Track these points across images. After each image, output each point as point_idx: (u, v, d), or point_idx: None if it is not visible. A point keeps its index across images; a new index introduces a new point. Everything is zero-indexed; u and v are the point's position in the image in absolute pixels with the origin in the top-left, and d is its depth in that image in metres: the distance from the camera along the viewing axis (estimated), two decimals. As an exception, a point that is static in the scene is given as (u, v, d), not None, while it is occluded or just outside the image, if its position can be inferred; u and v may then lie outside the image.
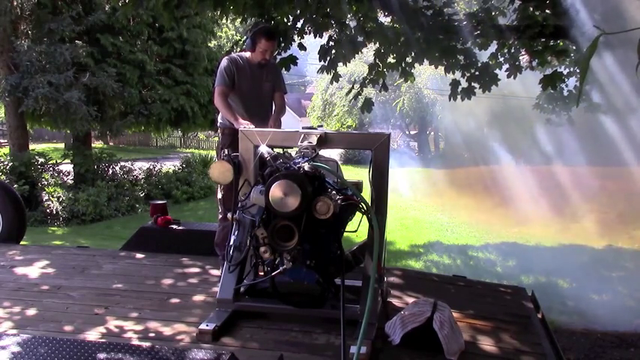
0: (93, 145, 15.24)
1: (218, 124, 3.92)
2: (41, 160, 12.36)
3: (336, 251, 2.80)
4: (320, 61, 6.18)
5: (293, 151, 3.10)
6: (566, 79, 6.59)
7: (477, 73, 5.80)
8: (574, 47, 6.17)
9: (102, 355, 2.09)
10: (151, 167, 15.38)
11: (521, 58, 6.27)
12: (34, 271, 4.06)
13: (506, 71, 6.23)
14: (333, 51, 6.08)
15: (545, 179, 14.54)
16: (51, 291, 3.61)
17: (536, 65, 6.39)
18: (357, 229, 3.01)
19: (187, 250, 4.59)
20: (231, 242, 3.01)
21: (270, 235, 2.66)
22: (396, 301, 3.57)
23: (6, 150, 13.25)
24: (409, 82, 6.66)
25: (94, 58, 12.14)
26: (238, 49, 6.18)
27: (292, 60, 5.73)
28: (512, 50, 6.23)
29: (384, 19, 6.48)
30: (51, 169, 12.76)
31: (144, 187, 14.40)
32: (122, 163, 14.53)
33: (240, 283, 3.06)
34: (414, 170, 20.95)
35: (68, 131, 13.73)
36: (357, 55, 6.31)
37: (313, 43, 6.35)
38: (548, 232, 10.95)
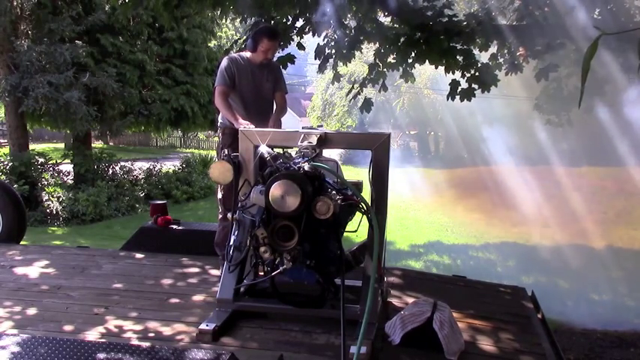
0: (93, 145, 15.22)
1: (218, 124, 3.92)
2: (41, 160, 12.35)
3: (336, 251, 2.80)
4: (315, 59, 6.20)
5: (293, 151, 3.10)
6: (566, 78, 6.59)
7: (476, 74, 5.80)
8: (574, 47, 6.16)
9: (102, 355, 2.09)
10: (151, 167, 15.38)
11: (518, 54, 6.26)
12: (34, 271, 4.06)
13: (505, 70, 6.23)
14: (333, 50, 6.09)
15: (545, 179, 14.55)
16: (51, 291, 3.61)
17: (532, 59, 6.35)
18: (357, 229, 3.02)
19: (187, 250, 4.59)
20: (231, 242, 3.01)
21: (270, 235, 2.66)
22: (396, 301, 3.57)
23: (6, 150, 13.24)
24: (409, 82, 6.66)
25: (94, 58, 12.15)
26: (237, 49, 6.18)
27: (290, 59, 5.74)
28: (512, 49, 6.22)
29: (384, 19, 6.49)
30: (51, 169, 12.75)
31: (144, 187, 14.39)
32: (122, 163, 14.52)
33: (240, 283, 3.06)
34: (414, 170, 20.96)
35: (68, 131, 13.72)
36: (357, 55, 6.32)
37: (313, 43, 6.36)
38: (548, 232, 10.95)
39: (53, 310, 3.25)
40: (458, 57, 5.66)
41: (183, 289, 3.71)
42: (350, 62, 6.28)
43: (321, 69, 6.31)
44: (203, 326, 2.83)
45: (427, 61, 5.75)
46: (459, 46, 5.68)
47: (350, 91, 6.99)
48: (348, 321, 2.61)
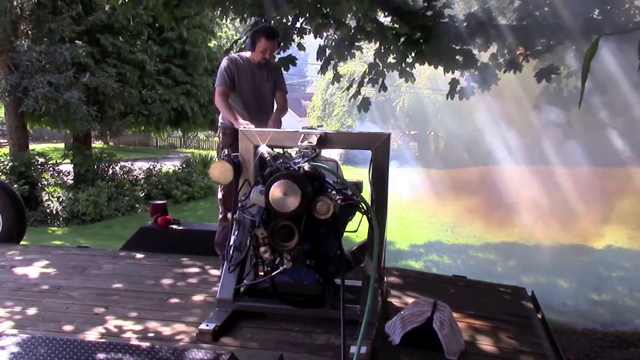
0: (93, 145, 15.23)
1: (219, 124, 3.92)
2: (41, 160, 12.36)
3: (336, 251, 2.80)
4: (318, 60, 6.19)
5: (293, 151, 3.10)
6: (566, 78, 6.57)
7: (476, 73, 5.80)
8: (574, 47, 6.16)
9: (102, 355, 2.09)
10: (151, 167, 15.39)
11: (518, 53, 6.25)
12: (34, 271, 4.06)
13: (504, 69, 6.22)
14: (331, 51, 6.08)
15: (545, 179, 14.53)
16: (51, 291, 3.61)
17: (532, 58, 6.33)
18: (357, 229, 3.02)
19: (187, 250, 4.59)
20: (231, 242, 3.01)
21: (270, 235, 2.66)
22: (396, 301, 3.57)
23: (6, 150, 13.25)
24: (409, 82, 6.65)
25: (94, 58, 12.15)
26: (237, 49, 6.18)
27: (291, 60, 5.73)
28: (512, 49, 6.21)
29: (384, 19, 6.48)
30: (51, 169, 12.76)
31: (144, 187, 14.40)
32: (122, 163, 14.53)
33: (240, 283, 3.06)
34: (414, 170, 20.95)
35: (68, 131, 13.73)
36: (357, 55, 6.31)
37: (313, 43, 6.36)
38: (548, 232, 10.94)
39: (53, 310, 3.25)
40: (457, 57, 5.66)
41: (183, 289, 3.71)
42: (346, 61, 6.27)
43: (323, 70, 6.30)
44: (203, 326, 2.83)
45: (426, 61, 5.75)
46: (458, 47, 5.68)
47: (349, 88, 6.98)
48: (348, 321, 2.61)
